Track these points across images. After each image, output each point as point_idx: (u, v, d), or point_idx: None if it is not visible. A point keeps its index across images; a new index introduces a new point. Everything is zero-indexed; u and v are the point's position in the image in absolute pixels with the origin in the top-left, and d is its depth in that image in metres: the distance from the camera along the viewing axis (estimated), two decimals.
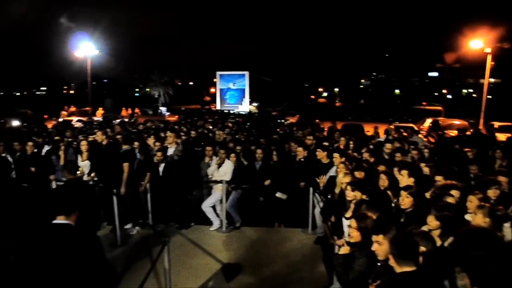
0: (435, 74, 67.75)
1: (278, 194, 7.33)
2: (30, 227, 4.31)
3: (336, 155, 6.68)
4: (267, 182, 7.44)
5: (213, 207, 7.44)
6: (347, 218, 4.21)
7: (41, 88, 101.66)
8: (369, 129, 16.78)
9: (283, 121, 25.30)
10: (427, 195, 4.66)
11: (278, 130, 14.11)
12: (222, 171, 7.25)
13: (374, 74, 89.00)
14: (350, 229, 3.24)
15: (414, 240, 2.54)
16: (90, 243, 2.88)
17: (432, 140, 12.78)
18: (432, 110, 36.84)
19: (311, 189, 6.94)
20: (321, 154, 7.12)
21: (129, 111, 33.65)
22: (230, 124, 14.93)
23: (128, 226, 7.27)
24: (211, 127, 14.18)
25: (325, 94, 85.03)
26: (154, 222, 7.38)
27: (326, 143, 8.34)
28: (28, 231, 4.23)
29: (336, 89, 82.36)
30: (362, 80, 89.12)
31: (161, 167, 7.45)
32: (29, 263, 2.79)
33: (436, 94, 58.79)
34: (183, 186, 7.36)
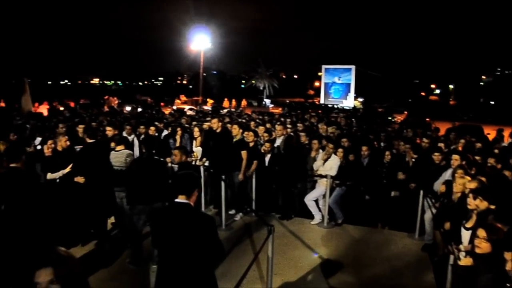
0: None
1: (393, 193, 7.06)
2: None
3: (456, 157, 6.10)
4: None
5: (316, 201, 7.41)
6: (467, 229, 3.83)
7: (159, 79, 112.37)
8: (489, 132, 15.11)
9: (390, 118, 24.02)
10: None
11: (388, 128, 13.35)
12: (328, 165, 7.15)
13: (499, 69, 79.25)
14: (477, 239, 2.93)
15: None
16: (207, 223, 3.08)
17: None
18: None
19: (421, 192, 6.50)
20: (438, 157, 6.59)
21: (233, 102, 35.22)
22: (341, 120, 14.61)
23: (232, 211, 7.62)
24: (313, 120, 14.10)
25: (437, 91, 78.45)
26: (256, 210, 7.61)
27: (441, 145, 7.69)
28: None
29: (451, 86, 75.40)
30: (483, 77, 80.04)
31: (267, 158, 7.64)
32: (157, 230, 3.15)
33: None
34: (288, 177, 7.46)
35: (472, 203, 3.96)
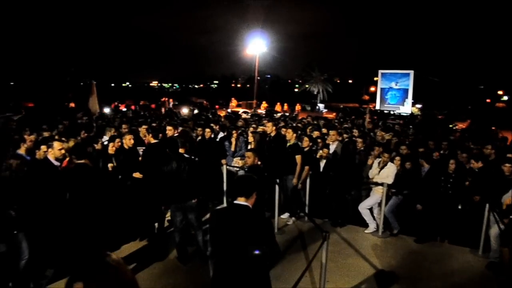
0: None
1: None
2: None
3: None
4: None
5: (370, 209, 7.23)
6: None
7: (214, 82, 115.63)
8: None
9: (451, 126, 22.76)
10: None
11: (450, 137, 12.62)
12: (384, 173, 6.96)
13: None
14: None
15: None
16: (264, 224, 3.13)
17: None
18: None
19: (487, 205, 6.11)
20: (508, 169, 6.15)
21: (286, 106, 35.23)
22: (397, 127, 14.17)
23: (285, 215, 7.63)
24: (369, 126, 13.79)
25: (505, 97, 73.14)
26: (309, 216, 7.56)
27: (510, 155, 7.18)
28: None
29: None
30: None
31: (322, 163, 7.56)
32: (215, 230, 3.23)
33: None
34: (342, 184, 7.34)
35: None
